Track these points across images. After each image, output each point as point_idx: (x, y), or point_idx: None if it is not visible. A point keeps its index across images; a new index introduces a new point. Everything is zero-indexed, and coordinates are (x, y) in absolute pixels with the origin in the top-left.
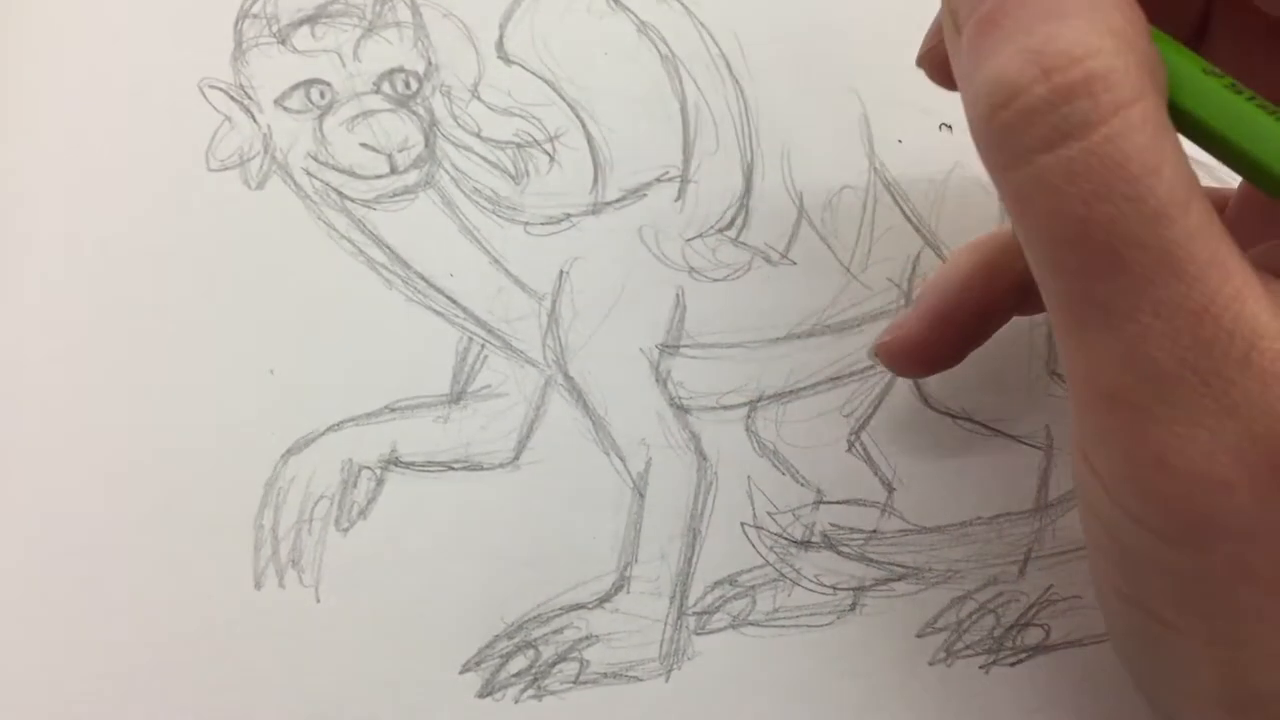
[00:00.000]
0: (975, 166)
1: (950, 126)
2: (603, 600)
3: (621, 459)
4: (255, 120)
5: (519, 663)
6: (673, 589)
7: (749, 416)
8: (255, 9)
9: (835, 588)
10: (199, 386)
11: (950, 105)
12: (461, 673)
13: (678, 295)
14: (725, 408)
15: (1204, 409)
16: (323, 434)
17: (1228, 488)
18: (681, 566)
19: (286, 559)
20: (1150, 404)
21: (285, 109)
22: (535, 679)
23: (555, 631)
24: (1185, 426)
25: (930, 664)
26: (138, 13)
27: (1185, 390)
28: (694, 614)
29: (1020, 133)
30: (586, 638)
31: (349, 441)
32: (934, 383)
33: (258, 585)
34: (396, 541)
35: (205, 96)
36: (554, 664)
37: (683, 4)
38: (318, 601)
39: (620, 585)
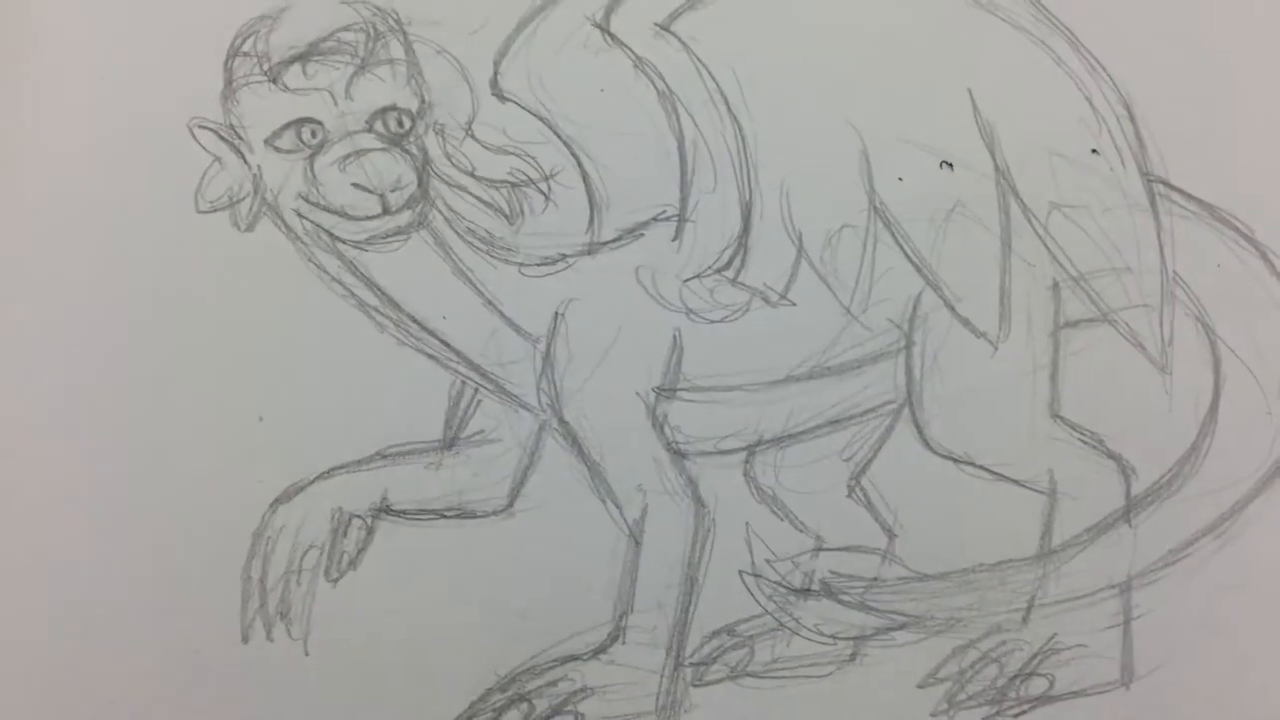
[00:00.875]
0: (976, 206)
1: (951, 164)
2: (598, 651)
3: (617, 506)
4: (245, 160)
5: (512, 717)
6: (669, 639)
7: (747, 461)
8: (246, 46)
9: (835, 637)
10: (186, 433)
11: (951, 143)
12: None
13: (675, 337)
14: (723, 452)
15: None
16: (313, 481)
17: None
18: (678, 616)
19: (275, 611)
20: None
21: (276, 149)
22: None
23: (549, 684)
24: None
25: (932, 715)
26: (125, 50)
27: None
28: (691, 665)
29: None
30: (581, 690)
31: (339, 489)
32: (936, 426)
33: (245, 639)
34: (387, 592)
35: (195, 137)
36: (548, 718)
37: (680, 40)
38: (306, 655)
39: (616, 636)
